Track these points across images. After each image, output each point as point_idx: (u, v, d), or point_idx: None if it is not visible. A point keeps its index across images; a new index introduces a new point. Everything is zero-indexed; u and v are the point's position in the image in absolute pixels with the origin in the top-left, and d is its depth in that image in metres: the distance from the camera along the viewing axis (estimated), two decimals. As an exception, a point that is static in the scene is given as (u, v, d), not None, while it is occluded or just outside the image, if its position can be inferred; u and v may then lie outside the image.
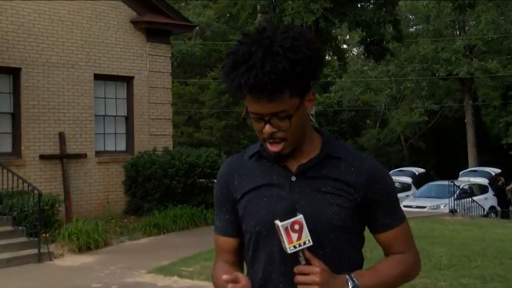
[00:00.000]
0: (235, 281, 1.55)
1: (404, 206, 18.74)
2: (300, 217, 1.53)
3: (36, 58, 11.05)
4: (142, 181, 11.68)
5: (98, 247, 9.63)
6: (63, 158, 11.15)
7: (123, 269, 8.30)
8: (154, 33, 12.71)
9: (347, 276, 1.59)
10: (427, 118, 32.10)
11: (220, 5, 21.79)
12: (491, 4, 28.80)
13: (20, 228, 9.44)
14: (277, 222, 1.54)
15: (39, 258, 8.93)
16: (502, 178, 22.43)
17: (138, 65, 12.53)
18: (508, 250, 8.80)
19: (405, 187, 23.07)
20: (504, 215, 19.83)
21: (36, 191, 9.32)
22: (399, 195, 22.72)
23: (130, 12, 12.44)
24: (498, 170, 24.57)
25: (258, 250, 1.69)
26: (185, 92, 32.89)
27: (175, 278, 7.63)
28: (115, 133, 12.38)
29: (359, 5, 16.77)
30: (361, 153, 1.75)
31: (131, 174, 11.86)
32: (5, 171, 9.98)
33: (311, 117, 33.70)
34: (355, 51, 41.04)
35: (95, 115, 11.90)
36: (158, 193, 11.59)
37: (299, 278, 1.53)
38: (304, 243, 1.52)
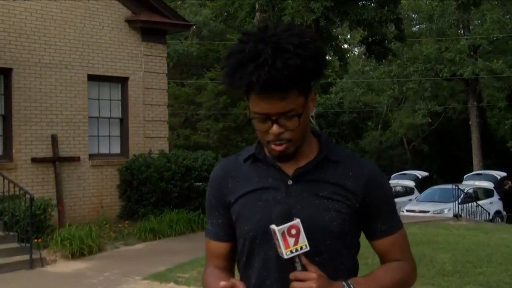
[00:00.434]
0: None
1: (407, 211, 18.82)
2: (297, 221, 1.53)
3: (28, 58, 11.05)
4: (137, 185, 11.68)
5: (92, 253, 9.63)
6: (56, 161, 11.14)
7: (118, 275, 8.29)
8: (149, 33, 12.72)
9: (344, 283, 1.60)
10: (430, 120, 32.14)
11: (217, 3, 21.81)
12: (496, 3, 28.88)
13: (11, 233, 9.43)
14: (273, 226, 1.53)
15: (31, 264, 8.92)
16: (510, 182, 22.45)
17: (133, 65, 12.53)
18: (514, 255, 8.81)
19: (408, 191, 23.10)
20: (510, 220, 19.84)
21: (28, 195, 9.31)
22: (402, 199, 23.01)
23: (124, 11, 12.45)
24: (504, 174, 24.60)
25: (252, 255, 1.68)
26: (182, 93, 32.90)
27: (171, 284, 7.62)
28: (109, 136, 12.38)
29: (360, 4, 16.79)
30: (359, 157, 1.75)
31: (126, 177, 11.86)
32: (-5, 174, 9.97)
33: (311, 118, 33.82)
34: (356, 51, 41.11)
35: (89, 117, 11.90)
36: (154, 197, 11.58)
37: (295, 285, 1.53)
38: (301, 248, 1.52)
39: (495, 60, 28.84)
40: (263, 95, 1.56)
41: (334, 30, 19.92)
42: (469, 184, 22.26)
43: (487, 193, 20.98)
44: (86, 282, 7.99)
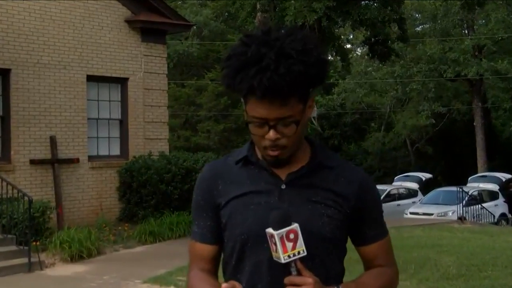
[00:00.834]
0: None
1: (411, 213, 18.80)
2: (295, 226, 1.55)
3: (27, 59, 11.06)
4: (137, 187, 11.69)
5: (91, 256, 9.63)
6: (55, 163, 11.15)
7: (117, 278, 8.29)
8: (149, 33, 12.74)
9: None
10: (434, 121, 32.13)
11: (218, 3, 21.84)
12: (501, 2, 28.88)
13: (9, 236, 9.43)
14: (271, 230, 1.55)
15: (29, 267, 8.93)
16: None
17: (133, 66, 12.55)
18: (519, 259, 8.80)
19: (412, 193, 23.08)
20: (515, 223, 19.83)
21: (26, 198, 9.32)
22: (405, 201, 22.97)
23: (124, 11, 12.47)
24: (509, 176, 24.58)
25: (243, 259, 1.69)
26: (182, 94, 32.92)
27: (172, 288, 7.63)
28: (108, 137, 12.39)
29: (363, 3, 16.81)
30: (351, 164, 1.79)
31: (126, 179, 11.87)
32: (-6, 176, 9.98)
33: (313, 120, 33.72)
34: (359, 51, 41.10)
35: (88, 118, 11.91)
36: (154, 199, 11.59)
37: None
38: (299, 253, 1.54)
39: (500, 61, 28.83)
40: (263, 100, 1.57)
41: (337, 30, 19.92)
42: (473, 186, 22.24)
43: (492, 196, 20.96)
44: (85, 285, 7.99)
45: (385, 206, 20.46)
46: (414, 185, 25.03)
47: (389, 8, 16.17)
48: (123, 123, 12.47)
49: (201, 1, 35.53)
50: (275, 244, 1.54)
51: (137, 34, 12.63)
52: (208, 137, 31.52)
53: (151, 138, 12.79)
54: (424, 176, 27.81)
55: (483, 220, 17.99)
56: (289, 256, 1.53)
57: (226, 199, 1.71)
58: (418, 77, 31.06)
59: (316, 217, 1.65)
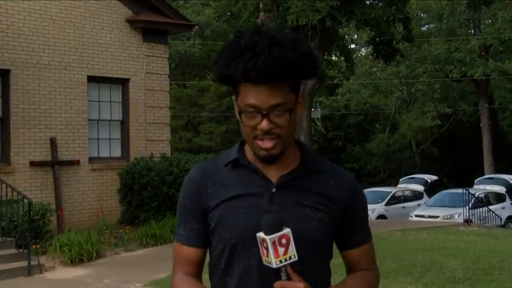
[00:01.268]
0: None
1: (416, 216, 18.78)
2: (287, 230, 1.55)
3: (27, 59, 11.08)
4: (138, 189, 11.69)
5: (92, 259, 9.63)
6: (55, 165, 11.17)
7: (118, 282, 8.29)
8: (151, 33, 12.75)
9: None
10: (440, 122, 32.09)
11: (220, 3, 21.85)
12: (508, 2, 28.79)
13: (9, 239, 9.44)
14: (262, 235, 1.55)
15: (29, 271, 8.93)
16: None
17: (134, 66, 12.56)
18: (526, 262, 8.77)
19: (417, 196, 23.05)
20: (523, 226, 19.77)
21: (26, 200, 9.33)
22: (410, 204, 22.92)
23: (125, 10, 12.49)
24: (516, 178, 24.50)
25: (232, 262, 1.69)
26: (184, 95, 32.96)
27: (173, 292, 7.60)
28: (109, 139, 12.40)
29: (367, 3, 16.80)
30: (339, 168, 1.82)
31: (127, 181, 11.87)
32: (-7, 178, 9.99)
33: (317, 121, 33.70)
34: (363, 51, 41.08)
35: (89, 120, 11.93)
36: (155, 201, 11.59)
37: None
38: (290, 258, 1.55)
39: (507, 61, 28.78)
40: (256, 85, 1.59)
41: (341, 30, 19.92)
42: (480, 188, 22.18)
43: (499, 198, 20.91)
44: (86, 289, 7.99)
45: (390, 208, 20.46)
46: (420, 187, 24.99)
47: (394, 7, 16.15)
48: (124, 124, 12.48)
49: (203, 1, 35.57)
50: (267, 249, 1.54)
51: (139, 34, 12.65)
52: (210, 138, 31.54)
53: (153, 139, 12.80)
54: (430, 178, 27.75)
55: (489, 223, 17.94)
56: (280, 261, 1.54)
57: (216, 202, 1.71)
58: (424, 77, 31.03)
59: (306, 221, 1.67)
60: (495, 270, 8.11)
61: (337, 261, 1.89)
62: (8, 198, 9.64)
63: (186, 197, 1.77)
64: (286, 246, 1.55)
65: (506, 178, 24.49)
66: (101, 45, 12.08)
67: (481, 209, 18.07)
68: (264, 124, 1.61)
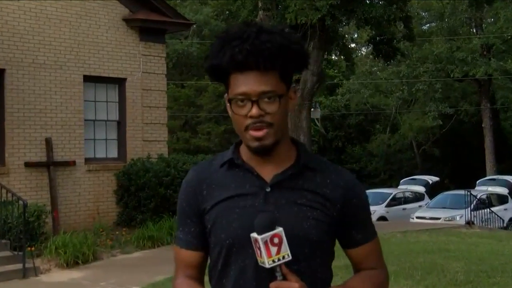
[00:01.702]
0: None
1: (417, 217, 18.78)
2: (280, 230, 1.56)
3: (22, 59, 11.07)
4: (135, 191, 11.68)
5: (88, 262, 9.62)
6: (50, 165, 11.15)
7: (114, 285, 8.28)
8: (148, 32, 12.74)
9: None
10: (441, 123, 32.12)
11: (218, 2, 21.85)
12: (510, 0, 28.83)
13: (3, 241, 9.42)
14: (255, 235, 1.56)
15: (24, 273, 8.92)
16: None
17: (131, 66, 12.55)
18: (529, 265, 8.77)
19: (418, 197, 23.07)
20: (525, 227, 19.78)
21: (20, 202, 9.32)
22: (411, 205, 22.92)
23: (122, 9, 12.48)
24: (519, 179, 24.52)
25: (228, 264, 1.70)
26: (181, 95, 32.95)
27: (171, 295, 7.60)
28: (106, 139, 12.39)
29: (368, 1, 16.82)
30: (337, 166, 1.81)
31: (123, 183, 11.86)
32: (-13, 179, 9.98)
33: (316, 121, 33.74)
34: (363, 50, 41.11)
35: (85, 120, 11.92)
36: (153, 203, 11.58)
37: None
38: (283, 258, 1.56)
39: (509, 60, 28.83)
40: (245, 72, 1.61)
41: (341, 29, 19.93)
42: (482, 189, 22.19)
43: (501, 199, 20.92)
44: (82, 292, 7.98)
45: (390, 210, 20.43)
46: (421, 189, 25.00)
47: (394, 6, 16.17)
48: (120, 124, 12.47)
49: (201, -1, 35.57)
50: (260, 248, 1.55)
51: (136, 33, 12.64)
52: (209, 139, 31.54)
53: (150, 140, 12.79)
54: (431, 179, 27.78)
55: (492, 224, 17.95)
56: (273, 261, 1.55)
57: (211, 203, 1.72)
58: (425, 77, 31.05)
59: (302, 220, 1.66)
60: (497, 273, 8.11)
61: (337, 263, 1.87)
62: (2, 200, 9.63)
63: (183, 200, 1.79)
64: (279, 246, 1.55)
65: (509, 179, 24.52)
66: (98, 44, 12.07)
67: (483, 210, 18.08)
68: (254, 110, 1.61)
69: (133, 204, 11.79)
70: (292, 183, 1.70)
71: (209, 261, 1.79)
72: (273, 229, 1.55)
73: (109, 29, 12.26)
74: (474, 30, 33.00)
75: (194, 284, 1.74)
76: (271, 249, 1.54)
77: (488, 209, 18.51)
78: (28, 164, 10.99)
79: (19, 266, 8.97)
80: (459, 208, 18.18)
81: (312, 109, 20.20)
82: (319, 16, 15.19)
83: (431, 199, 21.85)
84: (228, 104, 1.68)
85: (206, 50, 35.08)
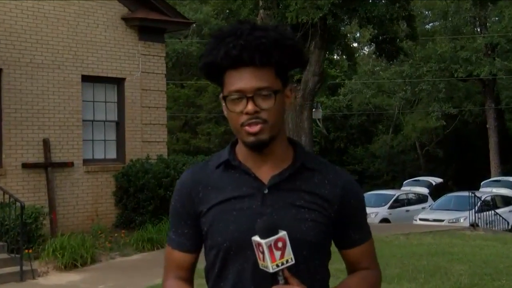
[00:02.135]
0: None
1: (420, 219, 18.77)
2: (283, 234, 1.56)
3: (19, 58, 11.08)
4: (134, 192, 11.69)
5: (86, 264, 9.62)
6: (48, 167, 11.16)
7: (113, 288, 8.28)
8: (147, 31, 12.75)
9: None
10: (445, 123, 32.13)
11: (218, 0, 21.88)
12: (514, -1, 28.84)
13: (0, 243, 9.43)
14: (258, 239, 1.55)
15: (21, 276, 8.92)
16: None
17: (130, 65, 12.56)
18: (534, 267, 8.77)
19: (421, 199, 23.06)
20: (530, 229, 19.76)
21: (18, 203, 9.32)
22: (415, 207, 22.92)
23: (121, 8, 12.49)
24: (524, 180, 24.52)
25: (226, 267, 1.70)
26: (181, 95, 32.96)
27: (170, 298, 7.59)
28: (104, 140, 12.40)
29: (370, 0, 16.83)
30: (334, 166, 1.81)
31: (122, 184, 11.87)
32: (-16, 181, 9.99)
33: (318, 122, 33.79)
34: (366, 50, 41.11)
35: (83, 120, 11.92)
36: (152, 205, 11.59)
37: None
38: (287, 261, 1.55)
39: (514, 60, 28.81)
40: (239, 69, 1.62)
41: (343, 28, 19.94)
42: (486, 191, 22.19)
43: (506, 201, 20.90)
44: (80, 295, 7.98)
45: (393, 211, 20.41)
46: (424, 190, 25.00)
47: (397, 4, 16.18)
48: (119, 125, 12.47)
49: (201, -2, 35.58)
50: (263, 253, 1.54)
51: (135, 33, 12.65)
52: (209, 139, 31.55)
53: (149, 140, 12.79)
54: (435, 180, 27.78)
55: (496, 227, 17.94)
56: (277, 265, 1.54)
57: (207, 206, 1.72)
58: (428, 77, 31.05)
59: (299, 222, 1.67)
60: (502, 276, 8.10)
61: (338, 266, 1.88)
62: (-1, 201, 9.64)
63: (177, 201, 1.79)
64: (283, 250, 1.55)
65: (513, 181, 24.50)
66: (96, 43, 12.07)
67: (487, 212, 18.06)
68: (250, 106, 1.62)
69: (132, 206, 11.79)
70: (290, 184, 1.70)
71: (205, 263, 1.79)
72: (277, 233, 1.55)
73: (107, 28, 12.27)
74: (478, 29, 33.00)
75: (184, 285, 1.76)
76: (275, 253, 1.54)
77: (492, 211, 18.50)
78: (25, 165, 11.00)
79: (16, 268, 8.97)
80: (463, 210, 18.16)
81: (313, 110, 20.22)
82: (321, 15, 15.20)
83: (434, 201, 21.84)
84: (223, 103, 1.69)
85: (206, 50, 35.13)
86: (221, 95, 1.70)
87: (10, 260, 9.16)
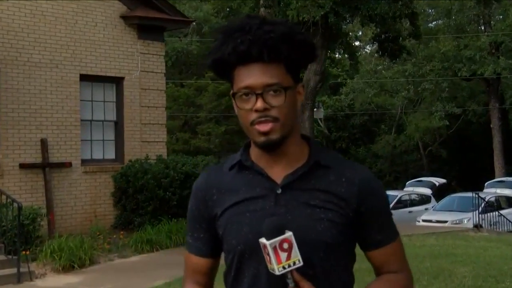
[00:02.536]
0: None
1: (423, 220, 18.76)
2: (289, 234, 1.53)
3: (16, 57, 11.09)
4: (133, 193, 11.69)
5: (84, 266, 9.62)
6: (46, 167, 11.17)
7: (112, 290, 8.28)
8: (146, 30, 12.76)
9: None
10: (448, 123, 32.11)
11: (219, -2, 21.92)
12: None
13: (-3, 245, 9.44)
14: (263, 240, 1.53)
15: (19, 278, 8.92)
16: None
17: (129, 64, 12.56)
18: (539, 269, 8.76)
19: (424, 200, 23.05)
20: (535, 231, 19.75)
21: (15, 204, 9.32)
22: (418, 208, 22.89)
23: (119, 6, 12.50)
24: (528, 181, 24.51)
25: (241, 271, 1.68)
26: (181, 94, 32.97)
27: (169, 300, 7.62)
28: (103, 140, 12.40)
29: (372, -2, 16.83)
30: (352, 162, 1.76)
31: (121, 185, 11.87)
32: (-19, 181, 10.00)
33: (319, 122, 33.73)
34: (368, 49, 41.10)
35: (81, 120, 11.93)
36: (151, 205, 11.59)
37: None
38: (294, 263, 1.52)
39: (518, 59, 28.80)
40: (248, 65, 1.60)
41: (344, 27, 19.93)
42: (490, 192, 22.17)
43: (510, 202, 20.89)
44: (78, 297, 7.98)
45: (396, 212, 20.46)
46: (427, 191, 24.99)
47: (400, 3, 16.18)
48: (118, 125, 12.48)
49: (201, -4, 35.59)
50: (269, 254, 1.52)
51: (134, 31, 12.65)
52: (209, 139, 31.54)
53: (148, 141, 12.80)
54: (438, 181, 27.77)
55: (500, 228, 17.92)
56: (283, 267, 1.52)
57: (222, 209, 1.70)
58: (431, 76, 31.04)
59: (315, 223, 1.63)
60: (506, 278, 8.10)
61: (361, 266, 1.83)
62: (-3, 202, 9.64)
63: (193, 205, 1.78)
64: (289, 251, 1.52)
65: (518, 181, 24.49)
66: (94, 42, 12.08)
67: (491, 213, 18.04)
68: (259, 103, 1.59)
69: (131, 207, 11.80)
70: (304, 183, 1.66)
71: (225, 267, 1.78)
72: (282, 233, 1.52)
73: (106, 26, 12.28)
74: (482, 28, 32.98)
75: None
76: (280, 255, 1.52)
77: (496, 212, 18.48)
78: (23, 166, 11.00)
79: (13, 270, 8.97)
80: (466, 211, 18.16)
81: (315, 109, 20.20)
82: (322, 13, 15.20)
83: (437, 202, 21.84)
84: (233, 101, 1.67)
85: (206, 49, 35.09)
86: (231, 92, 1.68)
87: (7, 262, 9.17)
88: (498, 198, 20.74)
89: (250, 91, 1.61)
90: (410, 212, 21.18)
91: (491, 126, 31.06)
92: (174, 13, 13.44)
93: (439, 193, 25.13)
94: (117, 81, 12.49)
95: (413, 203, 22.45)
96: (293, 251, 1.52)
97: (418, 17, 19.35)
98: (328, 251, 1.64)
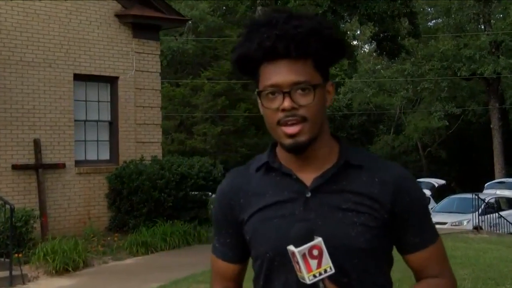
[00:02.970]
0: None
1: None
2: (319, 240, 1.47)
3: (9, 56, 11.07)
4: (128, 194, 11.68)
5: (78, 269, 9.61)
6: (39, 168, 11.15)
7: (106, 293, 8.28)
8: (141, 28, 12.75)
9: None
10: (447, 123, 32.18)
11: (215, -4, 21.96)
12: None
13: (-11, 247, 9.42)
14: (292, 248, 1.48)
15: (11, 281, 8.90)
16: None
17: (124, 64, 12.56)
18: (539, 271, 8.78)
19: (424, 201, 23.05)
20: (535, 232, 19.80)
21: (7, 206, 9.31)
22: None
23: (114, 4, 12.49)
24: (528, 182, 24.57)
25: (271, 279, 1.63)
26: (176, 94, 32.97)
27: (165, 303, 7.61)
28: (97, 140, 12.39)
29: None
30: (385, 160, 1.70)
31: (116, 186, 11.86)
32: (-27, 183, 9.98)
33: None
34: (366, 48, 41.16)
35: (75, 120, 11.92)
36: (146, 207, 11.58)
37: None
38: (325, 271, 1.47)
39: (518, 58, 28.88)
40: (275, 62, 1.55)
41: (343, 26, 19.96)
42: (490, 193, 22.22)
43: (511, 203, 20.94)
44: (72, 300, 7.97)
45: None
46: (426, 192, 24.99)
47: (399, 1, 16.22)
48: (112, 125, 12.47)
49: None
50: (298, 263, 1.47)
51: (128, 30, 12.64)
52: (205, 140, 31.56)
53: (143, 141, 12.79)
54: (437, 182, 27.81)
55: (500, 229, 17.96)
56: (314, 276, 1.46)
57: (249, 213, 1.65)
58: (430, 75, 31.10)
59: (348, 227, 1.57)
60: (506, 280, 8.11)
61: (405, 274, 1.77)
62: (-11, 204, 9.62)
63: (217, 209, 1.75)
64: (319, 258, 1.46)
65: (518, 182, 24.55)
66: (88, 41, 12.07)
67: (491, 215, 18.09)
68: (286, 103, 1.53)
69: (125, 209, 11.79)
70: (335, 185, 1.60)
71: (253, 273, 1.74)
72: (311, 240, 1.46)
73: (100, 25, 12.27)
74: (482, 27, 33.06)
75: None
76: (310, 262, 1.45)
77: (496, 214, 18.53)
78: (15, 167, 10.99)
79: (5, 273, 8.95)
80: (466, 213, 18.20)
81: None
82: (320, 12, 15.22)
83: (437, 203, 21.88)
84: (258, 100, 1.60)
85: (201, 48, 35.14)
86: (256, 91, 1.62)
87: None
88: (498, 200, 20.79)
89: (277, 89, 1.55)
90: (409, 213, 21.19)
91: (491, 126, 31.13)
92: (170, 11, 13.44)
93: (439, 194, 25.18)
94: (112, 81, 12.48)
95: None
96: (323, 258, 1.46)
97: (417, 16, 19.40)
98: (363, 257, 1.58)
